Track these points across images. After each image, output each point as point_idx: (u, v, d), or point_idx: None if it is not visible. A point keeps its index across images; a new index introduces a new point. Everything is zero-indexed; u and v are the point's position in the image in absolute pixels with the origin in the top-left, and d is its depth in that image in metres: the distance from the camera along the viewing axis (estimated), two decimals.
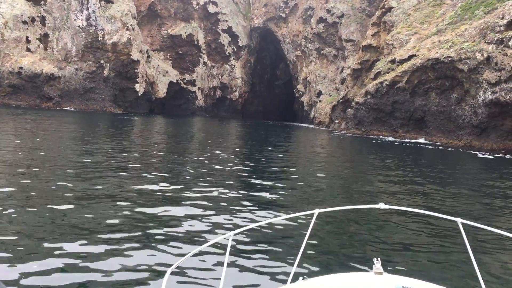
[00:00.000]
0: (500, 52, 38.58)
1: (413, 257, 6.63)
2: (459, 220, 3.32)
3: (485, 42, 40.69)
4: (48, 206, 7.76)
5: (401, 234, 7.86)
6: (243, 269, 5.66)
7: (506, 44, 38.13)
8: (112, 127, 31.64)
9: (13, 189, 8.81)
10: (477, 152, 33.85)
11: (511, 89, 36.35)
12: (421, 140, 46.47)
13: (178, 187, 10.71)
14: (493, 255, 6.94)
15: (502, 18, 39.95)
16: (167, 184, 10.82)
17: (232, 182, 12.22)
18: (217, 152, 19.60)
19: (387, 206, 3.51)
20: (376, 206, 3.48)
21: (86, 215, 7.42)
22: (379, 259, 3.24)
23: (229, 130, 43.58)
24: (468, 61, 41.77)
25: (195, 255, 5.68)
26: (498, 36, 39.28)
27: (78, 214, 7.44)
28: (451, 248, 7.16)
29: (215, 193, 10.28)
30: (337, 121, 66.42)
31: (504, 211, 10.76)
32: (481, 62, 40.47)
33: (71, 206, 7.90)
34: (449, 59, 43.85)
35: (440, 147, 38.60)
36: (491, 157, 29.88)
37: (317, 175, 15.01)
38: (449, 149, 37.47)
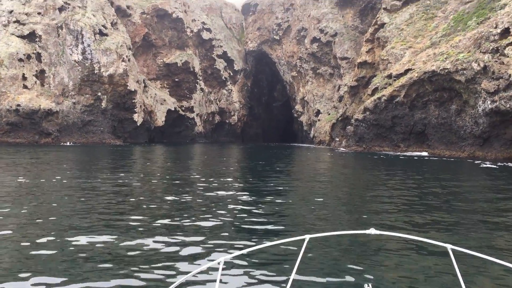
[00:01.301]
0: (496, 61, 38.53)
1: (404, 283, 6.56)
2: (449, 246, 3.35)
3: (481, 52, 40.69)
4: (47, 238, 7.60)
5: (393, 259, 7.78)
6: None
7: (502, 53, 38.11)
8: (112, 159, 31.32)
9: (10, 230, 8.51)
10: (479, 162, 33.43)
11: (510, 97, 36.16)
12: (424, 153, 46.10)
13: (173, 212, 10.90)
14: (483, 282, 6.74)
15: (496, 27, 40.04)
16: (166, 209, 10.80)
17: (227, 207, 12.26)
18: (215, 178, 19.26)
19: (378, 232, 3.55)
20: (367, 232, 3.52)
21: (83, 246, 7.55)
22: (370, 285, 3.28)
23: (229, 155, 43.25)
24: (465, 71, 41.72)
25: (186, 281, 5.85)
26: (493, 45, 39.30)
27: (81, 244, 7.62)
28: (442, 274, 7.02)
29: (208, 218, 10.44)
30: (337, 139, 66.16)
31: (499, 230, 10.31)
32: (478, 72, 40.40)
33: (76, 237, 8.14)
34: (446, 71, 43.83)
35: (443, 158, 38.19)
36: (494, 166, 29.47)
37: (314, 197, 14.91)
38: (452, 160, 37.06)
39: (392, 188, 17.94)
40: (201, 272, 6.14)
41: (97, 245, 7.95)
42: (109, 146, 56.81)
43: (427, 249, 8.43)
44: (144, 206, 12.04)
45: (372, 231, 3.53)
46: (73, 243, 8.03)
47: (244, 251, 3.85)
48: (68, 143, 61.24)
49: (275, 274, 6.64)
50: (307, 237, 3.70)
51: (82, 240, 8.23)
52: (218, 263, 3.26)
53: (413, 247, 8.63)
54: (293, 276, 3.51)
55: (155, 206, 12.16)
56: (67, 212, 10.84)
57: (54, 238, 8.32)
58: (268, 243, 3.86)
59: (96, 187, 15.41)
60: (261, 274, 6.60)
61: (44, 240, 8.20)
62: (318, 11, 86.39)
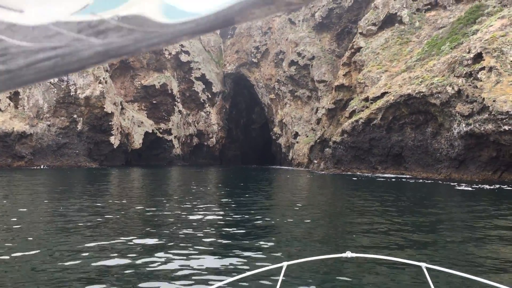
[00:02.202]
0: (470, 85, 39.40)
1: None
2: (423, 264, 3.42)
3: (455, 76, 41.60)
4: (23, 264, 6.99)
5: (370, 281, 7.86)
6: None
7: (475, 77, 39.02)
8: (87, 184, 30.54)
9: None
10: (455, 184, 33.76)
11: (484, 120, 36.88)
12: (402, 175, 46.46)
13: (143, 241, 10.59)
14: None
15: (469, 52, 41.08)
16: (139, 237, 10.53)
17: (202, 235, 11.93)
18: (190, 203, 18.85)
19: (354, 255, 3.61)
20: (344, 255, 3.59)
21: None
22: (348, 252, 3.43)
23: (207, 178, 42.75)
24: (439, 95, 42.52)
25: None
26: (466, 69, 40.24)
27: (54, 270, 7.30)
28: None
29: (182, 247, 10.14)
30: (315, 161, 66.33)
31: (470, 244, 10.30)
32: (452, 96, 41.23)
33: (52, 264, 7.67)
34: (421, 94, 44.61)
35: (420, 180, 38.49)
36: (469, 188, 29.78)
37: (291, 221, 14.82)
38: (429, 181, 37.38)
39: (368, 210, 18.05)
40: None
41: (71, 269, 7.72)
42: (85, 170, 55.63)
43: (403, 269, 8.48)
44: (116, 234, 11.58)
45: (349, 254, 3.60)
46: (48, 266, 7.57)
47: (221, 283, 3.78)
48: (42, 167, 59.77)
49: None
50: (284, 264, 3.69)
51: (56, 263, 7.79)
52: None
53: (390, 268, 8.70)
54: None
55: (129, 233, 11.70)
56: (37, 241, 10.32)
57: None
58: (246, 273, 3.83)
59: (67, 214, 14.85)
60: None
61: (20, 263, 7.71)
62: (295, 35, 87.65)
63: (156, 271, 8.22)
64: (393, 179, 40.28)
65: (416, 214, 16.87)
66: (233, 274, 7.94)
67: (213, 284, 3.63)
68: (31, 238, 10.86)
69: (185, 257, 9.31)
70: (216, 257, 9.51)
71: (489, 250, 10.41)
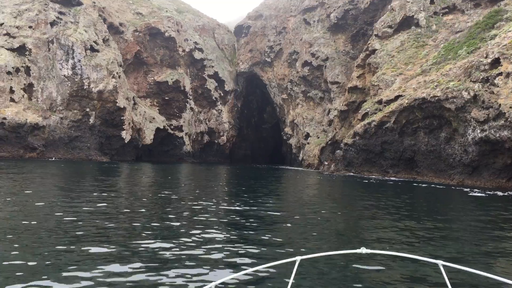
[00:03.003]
0: (486, 90, 38.79)
1: None
2: (440, 262, 3.43)
3: (471, 81, 41.00)
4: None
5: (385, 277, 7.77)
6: None
7: (492, 83, 38.40)
8: (99, 177, 30.56)
9: None
10: (468, 190, 33.25)
11: (500, 126, 36.27)
12: (413, 179, 45.91)
13: (160, 235, 10.68)
14: None
15: (486, 57, 40.44)
16: (153, 231, 10.49)
17: (216, 230, 12.00)
18: (204, 198, 18.71)
19: (369, 251, 3.62)
20: (358, 251, 3.59)
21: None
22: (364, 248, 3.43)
23: (218, 176, 42.63)
24: (455, 100, 41.93)
25: None
26: (483, 74, 39.62)
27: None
28: None
29: (198, 241, 10.26)
30: (326, 162, 65.92)
31: (486, 250, 10.07)
32: (468, 101, 40.62)
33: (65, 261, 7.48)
34: (436, 98, 44.04)
35: (432, 185, 37.98)
36: (482, 194, 29.32)
37: (305, 219, 14.90)
38: (441, 187, 36.86)
39: (381, 210, 17.94)
40: None
41: (85, 263, 7.63)
42: (96, 163, 55.84)
43: (419, 266, 8.43)
44: (127, 229, 11.45)
45: (363, 250, 3.60)
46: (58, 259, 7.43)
47: (236, 275, 3.79)
48: (53, 158, 60.13)
49: None
50: (298, 258, 3.75)
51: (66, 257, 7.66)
52: None
53: (405, 265, 8.62)
54: None
55: (140, 228, 11.59)
56: (49, 233, 10.21)
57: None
58: (260, 266, 3.89)
59: (80, 208, 14.77)
60: None
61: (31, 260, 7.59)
62: (310, 35, 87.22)
63: (169, 260, 8.41)
64: (404, 183, 39.80)
65: (430, 215, 16.71)
66: (247, 266, 8.03)
67: (228, 275, 3.74)
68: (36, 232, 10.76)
69: (199, 249, 9.48)
70: (230, 249, 9.60)
71: (504, 251, 10.32)
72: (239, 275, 4.01)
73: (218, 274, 7.59)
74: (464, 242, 11.42)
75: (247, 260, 8.71)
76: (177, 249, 9.34)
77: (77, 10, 70.31)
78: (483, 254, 10.00)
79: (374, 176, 49.85)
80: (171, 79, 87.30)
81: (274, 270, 7.92)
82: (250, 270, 3.94)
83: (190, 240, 10.41)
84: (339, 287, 7.17)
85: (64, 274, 7.19)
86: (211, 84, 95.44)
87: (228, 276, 3.80)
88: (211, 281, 3.42)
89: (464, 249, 10.39)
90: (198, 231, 11.54)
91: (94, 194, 18.96)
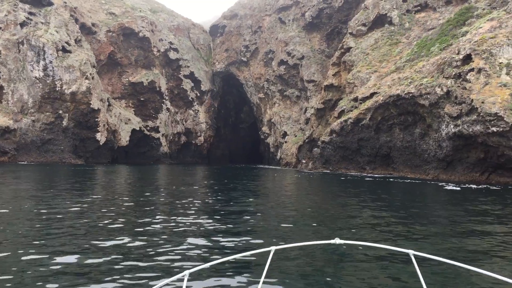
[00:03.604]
0: (459, 86, 39.38)
1: None
2: (411, 251, 3.50)
3: (444, 77, 41.58)
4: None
5: (358, 267, 7.90)
6: None
7: (464, 78, 39.00)
8: (70, 180, 29.82)
9: None
10: (443, 184, 33.68)
11: (473, 121, 36.86)
12: (390, 175, 46.35)
13: (138, 227, 10.82)
14: (445, 285, 6.97)
15: (458, 53, 41.08)
16: (130, 224, 10.32)
17: (193, 222, 12.29)
18: (181, 196, 18.41)
19: (342, 241, 3.68)
20: (332, 241, 3.66)
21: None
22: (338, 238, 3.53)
23: (195, 176, 42.22)
24: (428, 96, 42.46)
25: None
26: (455, 70, 40.22)
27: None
28: (406, 279, 7.18)
29: (174, 233, 10.49)
30: (304, 161, 66.10)
31: (458, 239, 10.13)
32: (441, 97, 41.18)
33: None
34: (410, 95, 44.53)
35: (408, 180, 38.37)
36: (457, 188, 29.75)
37: (280, 212, 15.27)
38: (417, 182, 37.28)
39: (357, 204, 18.17)
40: (166, 285, 6.19)
41: (59, 265, 7.59)
42: (69, 166, 54.69)
43: (391, 256, 8.60)
44: (105, 225, 11.08)
45: (337, 240, 3.67)
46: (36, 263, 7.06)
47: (210, 264, 3.84)
48: (25, 162, 58.68)
49: (241, 286, 6.59)
50: (272, 248, 3.80)
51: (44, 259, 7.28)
52: (183, 276, 3.25)
53: (377, 255, 8.81)
54: (260, 287, 3.48)
55: (118, 224, 11.23)
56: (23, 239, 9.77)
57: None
58: (234, 256, 4.13)
59: (52, 212, 14.28)
60: (227, 286, 6.60)
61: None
62: (285, 34, 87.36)
63: (143, 251, 8.58)
64: (381, 179, 40.13)
65: (405, 209, 16.95)
66: (222, 256, 8.09)
67: (202, 264, 3.76)
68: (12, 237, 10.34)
69: (174, 240, 9.68)
70: (205, 240, 9.76)
71: (473, 242, 10.56)
72: (214, 264, 4.06)
73: (192, 264, 7.61)
74: (437, 234, 11.55)
75: (222, 250, 8.84)
76: (152, 241, 9.48)
77: (48, 10, 68.80)
78: (457, 245, 10.10)
79: (351, 173, 50.16)
80: (146, 79, 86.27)
81: (249, 260, 8.03)
82: (225, 259, 3.95)
83: (165, 232, 10.58)
84: (313, 277, 7.24)
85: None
86: (187, 84, 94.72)
87: (202, 265, 3.81)
88: (184, 270, 3.30)
89: (437, 241, 10.53)
90: (173, 224, 11.80)
91: (64, 199, 18.42)
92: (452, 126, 39.84)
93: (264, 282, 3.70)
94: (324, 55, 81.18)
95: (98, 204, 16.38)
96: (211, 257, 8.25)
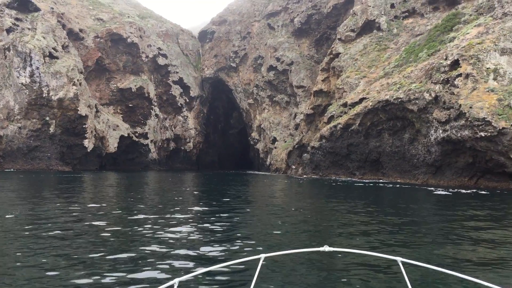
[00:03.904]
0: (447, 91, 39.58)
1: None
2: (399, 259, 3.54)
3: (432, 82, 41.79)
4: None
5: (347, 275, 7.92)
6: None
7: (452, 84, 39.22)
8: (57, 188, 29.32)
9: None
10: (433, 189, 33.71)
11: (461, 126, 37.03)
12: (380, 180, 46.37)
13: (126, 237, 10.57)
14: None
15: (446, 59, 41.33)
16: (119, 235, 10.25)
17: (181, 230, 12.19)
18: (171, 204, 18.11)
19: (331, 249, 3.71)
20: (321, 249, 3.68)
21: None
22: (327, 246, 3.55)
23: (184, 183, 41.84)
24: (417, 101, 42.65)
25: None
26: (443, 76, 40.44)
27: None
28: (393, 286, 7.19)
29: (162, 241, 10.43)
30: (293, 166, 66.00)
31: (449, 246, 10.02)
32: (429, 102, 41.37)
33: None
34: (399, 100, 44.69)
35: (397, 185, 38.38)
36: (447, 192, 29.78)
37: (270, 219, 15.26)
38: (406, 186, 37.29)
39: (347, 210, 18.05)
40: None
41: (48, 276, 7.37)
42: (57, 173, 53.94)
43: (380, 263, 8.64)
44: (92, 235, 10.76)
45: (326, 248, 3.70)
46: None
47: (199, 272, 3.83)
48: (12, 169, 57.79)
49: None
50: (262, 256, 3.83)
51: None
52: (173, 284, 3.22)
53: (366, 263, 8.85)
54: None
55: (105, 233, 10.92)
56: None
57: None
58: (223, 264, 3.87)
59: (42, 218, 13.91)
60: None
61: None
62: (274, 40, 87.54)
63: (133, 259, 8.56)
64: (371, 184, 40.09)
65: (394, 214, 16.88)
66: (211, 264, 7.91)
67: (191, 273, 3.85)
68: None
69: (162, 248, 9.64)
70: (194, 248, 9.74)
71: (462, 249, 10.55)
72: (203, 272, 4.04)
73: (182, 271, 7.60)
74: (426, 240, 11.52)
75: (211, 258, 8.80)
76: (141, 248, 9.47)
77: (35, 16, 68.12)
78: (447, 252, 10.03)
79: (341, 179, 50.11)
80: (135, 85, 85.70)
81: (239, 268, 8.00)
82: (214, 267, 3.92)
83: (153, 241, 10.48)
84: (302, 284, 7.21)
85: None
86: (176, 90, 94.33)
87: (192, 273, 3.87)
88: (174, 279, 3.30)
89: (426, 248, 10.51)
90: (162, 232, 11.71)
91: (56, 204, 18.01)
92: (440, 131, 40.01)
93: None
94: (313, 60, 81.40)
95: (84, 213, 16.04)
96: (201, 265, 8.23)
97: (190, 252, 9.29)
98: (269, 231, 12.52)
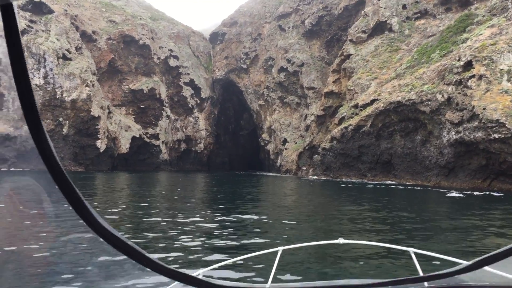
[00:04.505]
0: (460, 93, 39.38)
1: None
2: (411, 249, 3.59)
3: (444, 83, 41.60)
4: None
5: (362, 266, 8.18)
6: None
7: (465, 85, 39.01)
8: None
9: None
10: (445, 191, 33.54)
11: (474, 128, 36.82)
12: (391, 182, 46.23)
13: (146, 232, 10.93)
14: None
15: (459, 60, 41.11)
16: (135, 224, 9.73)
17: (201, 226, 12.72)
18: (187, 202, 18.32)
19: (346, 241, 3.81)
20: (336, 241, 3.78)
21: None
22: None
23: (197, 184, 42.11)
24: (429, 102, 42.46)
25: None
26: (456, 77, 40.24)
27: None
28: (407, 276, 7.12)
29: (181, 235, 10.93)
30: (304, 168, 66.01)
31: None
32: (442, 103, 41.17)
33: None
34: (411, 101, 44.54)
35: (409, 187, 38.25)
36: (460, 195, 29.58)
37: (285, 216, 15.74)
38: (418, 188, 37.15)
39: (359, 209, 18.43)
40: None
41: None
42: (70, 173, 54.46)
43: (393, 255, 8.96)
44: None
45: (341, 240, 3.79)
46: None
47: (221, 264, 4.01)
48: (28, 169, 58.49)
49: (251, 285, 6.35)
50: (280, 249, 3.97)
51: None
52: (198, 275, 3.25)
53: (380, 254, 9.23)
54: (269, 285, 3.48)
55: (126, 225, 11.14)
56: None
57: None
58: (243, 256, 3.99)
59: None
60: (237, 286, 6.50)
61: None
62: (285, 41, 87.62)
63: (153, 252, 8.95)
64: (383, 186, 40.01)
65: (407, 214, 16.91)
66: (231, 256, 8.13)
67: (210, 265, 3.84)
68: None
69: (184, 241, 10.14)
70: (215, 242, 10.27)
71: (477, 241, 10.88)
72: (224, 264, 4.16)
73: (203, 264, 7.73)
74: (440, 238, 11.65)
75: (231, 251, 9.22)
76: (162, 241, 10.07)
77: (49, 18, 68.95)
78: (457, 244, 10.25)
79: (352, 180, 50.03)
80: (147, 87, 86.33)
81: (257, 260, 8.30)
82: (234, 259, 4.04)
83: (175, 233, 11.16)
84: (318, 275, 7.52)
85: None
86: (187, 92, 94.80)
87: (213, 265, 3.92)
88: (196, 271, 3.51)
89: (438, 241, 10.79)
90: (182, 225, 12.36)
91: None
92: (453, 133, 39.80)
93: (273, 280, 3.88)
94: (324, 62, 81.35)
95: (102, 211, 16.28)
96: (221, 258, 8.56)
97: (210, 247, 9.68)
98: (285, 227, 12.99)
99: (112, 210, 17.14)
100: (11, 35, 1.07)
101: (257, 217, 15.28)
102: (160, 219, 14.22)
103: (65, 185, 1.25)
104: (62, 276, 7.46)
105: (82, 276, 7.52)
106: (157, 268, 1.47)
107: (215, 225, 13.06)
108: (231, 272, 7.64)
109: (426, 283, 2.12)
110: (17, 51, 1.09)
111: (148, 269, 1.46)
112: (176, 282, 3.17)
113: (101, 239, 1.31)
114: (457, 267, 1.94)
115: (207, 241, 10.28)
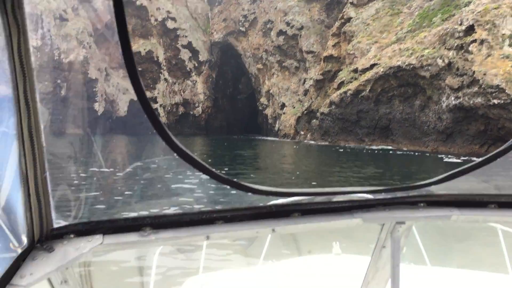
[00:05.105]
0: (461, 58, 39.22)
1: None
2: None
3: (445, 48, 41.35)
4: None
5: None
6: None
7: (466, 50, 38.79)
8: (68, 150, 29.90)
9: None
10: (443, 156, 33.93)
11: (474, 93, 36.89)
12: (389, 147, 46.61)
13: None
14: None
15: (461, 24, 40.72)
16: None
17: (191, 194, 12.71)
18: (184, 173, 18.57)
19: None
20: None
21: None
22: (337, 242, 3.69)
23: (194, 148, 42.38)
24: (429, 67, 42.33)
25: None
26: (458, 42, 39.97)
27: None
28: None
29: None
30: (302, 132, 66.26)
31: None
32: (442, 68, 41.06)
33: None
34: (411, 66, 44.37)
35: (407, 153, 38.64)
36: (457, 160, 29.96)
37: (283, 178, 16.13)
38: (416, 154, 37.54)
39: (355, 173, 18.70)
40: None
41: None
42: (70, 136, 54.56)
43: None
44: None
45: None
46: None
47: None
48: None
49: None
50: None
51: None
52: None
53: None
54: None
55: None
56: None
57: None
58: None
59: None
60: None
61: None
62: (284, 3, 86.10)
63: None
64: (381, 151, 40.38)
65: (404, 179, 17.04)
66: None
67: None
68: None
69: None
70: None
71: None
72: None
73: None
74: None
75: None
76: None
77: None
78: None
79: (350, 145, 50.38)
80: (144, 49, 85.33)
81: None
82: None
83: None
84: None
85: None
86: (185, 55, 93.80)
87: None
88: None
89: None
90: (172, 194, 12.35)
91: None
92: (452, 98, 39.88)
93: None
94: (324, 25, 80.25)
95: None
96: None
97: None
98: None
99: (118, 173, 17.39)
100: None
101: (255, 178, 15.47)
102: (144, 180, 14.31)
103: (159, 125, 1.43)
104: None
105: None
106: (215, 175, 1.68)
107: (203, 194, 13.13)
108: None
109: (398, 193, 2.17)
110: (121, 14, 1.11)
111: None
112: None
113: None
114: (427, 181, 2.02)
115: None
